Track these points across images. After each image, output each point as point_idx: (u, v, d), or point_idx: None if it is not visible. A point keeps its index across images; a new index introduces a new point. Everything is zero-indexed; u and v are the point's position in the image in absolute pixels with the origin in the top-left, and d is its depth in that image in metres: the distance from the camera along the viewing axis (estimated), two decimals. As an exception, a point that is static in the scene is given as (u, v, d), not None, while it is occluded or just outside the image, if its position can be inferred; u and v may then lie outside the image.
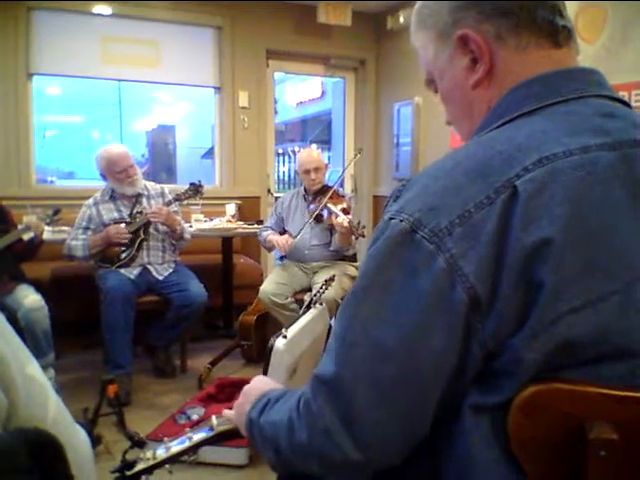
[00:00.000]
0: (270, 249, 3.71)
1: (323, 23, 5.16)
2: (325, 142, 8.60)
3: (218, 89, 5.26)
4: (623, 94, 3.50)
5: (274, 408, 0.88)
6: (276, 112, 10.80)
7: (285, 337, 2.32)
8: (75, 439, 0.74)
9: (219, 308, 4.31)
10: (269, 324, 3.65)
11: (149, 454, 1.12)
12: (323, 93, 9.99)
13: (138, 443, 1.15)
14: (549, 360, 0.66)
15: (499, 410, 0.68)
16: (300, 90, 10.77)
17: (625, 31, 3.47)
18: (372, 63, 5.74)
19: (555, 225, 0.65)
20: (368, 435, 0.72)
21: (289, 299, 3.40)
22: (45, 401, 0.73)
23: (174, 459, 1.12)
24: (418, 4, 0.91)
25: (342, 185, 5.54)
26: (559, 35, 0.81)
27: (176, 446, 1.13)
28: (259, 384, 1.03)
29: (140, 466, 1.10)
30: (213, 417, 1.16)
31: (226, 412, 1.11)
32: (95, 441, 2.45)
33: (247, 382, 1.04)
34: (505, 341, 0.67)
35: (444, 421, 0.72)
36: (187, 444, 1.13)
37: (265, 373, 2.30)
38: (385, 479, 0.79)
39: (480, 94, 0.84)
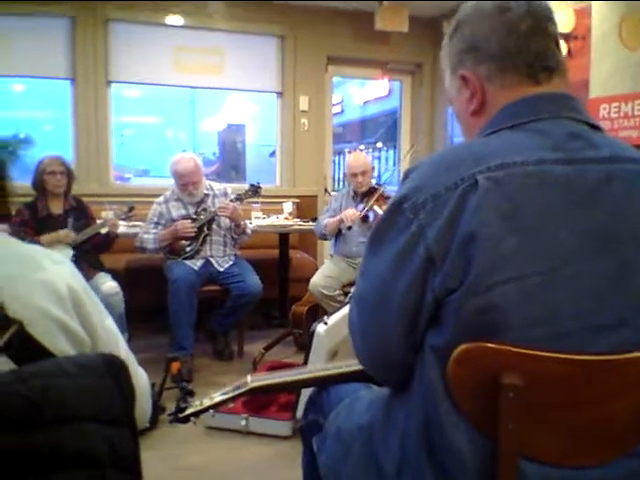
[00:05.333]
0: (330, 233, 3.91)
1: (380, 30, 5.38)
2: (390, 141, 8.77)
3: (280, 94, 5.57)
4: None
5: None
6: (342, 111, 11.05)
7: (326, 323, 2.58)
8: (137, 373, 1.03)
9: (275, 299, 4.62)
10: (319, 314, 3.91)
11: (197, 402, 1.42)
12: (390, 92, 9.98)
13: (188, 392, 1.42)
14: (480, 316, 0.87)
15: (446, 353, 0.90)
16: (367, 89, 10.85)
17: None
18: (428, 66, 5.92)
19: (497, 216, 0.85)
20: (359, 347, 1.05)
21: (337, 291, 3.66)
22: (117, 346, 1.03)
23: (216, 406, 1.41)
24: (444, 40, 1.13)
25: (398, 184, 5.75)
26: (539, 75, 0.99)
27: (218, 397, 1.42)
28: None
29: (190, 410, 1.40)
30: (248, 376, 1.44)
31: None
32: (160, 410, 2.81)
33: (296, 366, 1.33)
34: (449, 294, 0.88)
35: (417, 357, 0.97)
36: (227, 395, 1.41)
37: (307, 355, 2.57)
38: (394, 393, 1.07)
39: (475, 120, 1.05)
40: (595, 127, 0.99)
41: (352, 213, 3.71)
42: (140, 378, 1.04)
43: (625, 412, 0.93)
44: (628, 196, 0.92)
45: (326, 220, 3.94)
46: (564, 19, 4.33)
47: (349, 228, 3.75)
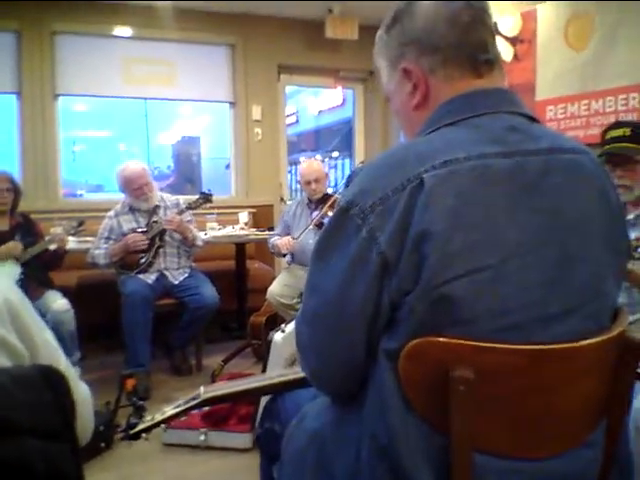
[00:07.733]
0: (278, 253, 3.96)
1: (331, 38, 5.40)
2: (345, 149, 8.81)
3: (232, 104, 5.54)
4: (610, 99, 3.67)
5: None
6: (297, 120, 11.04)
7: (283, 331, 2.55)
8: (79, 388, 0.99)
9: (233, 311, 4.56)
10: (278, 324, 3.87)
11: (149, 417, 1.37)
12: (344, 101, 10.00)
13: (139, 408, 1.37)
14: (434, 313, 0.86)
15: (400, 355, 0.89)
16: (321, 98, 10.88)
17: (612, 40, 3.65)
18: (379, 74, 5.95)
19: (445, 213, 0.84)
20: (314, 367, 1.02)
21: (295, 300, 3.63)
22: (57, 360, 0.98)
23: (167, 420, 1.36)
24: (378, 34, 1.09)
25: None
26: (481, 68, 0.99)
27: (170, 411, 1.37)
28: None
29: (141, 426, 1.35)
30: (201, 387, 1.40)
31: None
32: (115, 429, 2.72)
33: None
34: (404, 296, 0.86)
35: (371, 363, 0.94)
36: (179, 409, 1.37)
37: (266, 363, 2.54)
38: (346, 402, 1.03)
39: (418, 114, 1.03)
40: (534, 119, 1.00)
41: (287, 241, 3.75)
42: (82, 393, 0.99)
43: (574, 402, 0.94)
44: (568, 185, 0.93)
45: (274, 239, 3.94)
46: (511, 23, 4.42)
47: (284, 256, 3.82)
